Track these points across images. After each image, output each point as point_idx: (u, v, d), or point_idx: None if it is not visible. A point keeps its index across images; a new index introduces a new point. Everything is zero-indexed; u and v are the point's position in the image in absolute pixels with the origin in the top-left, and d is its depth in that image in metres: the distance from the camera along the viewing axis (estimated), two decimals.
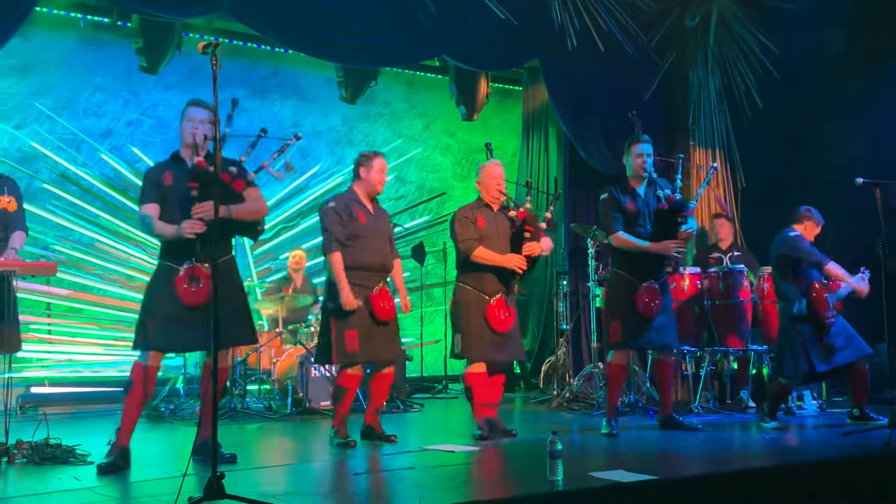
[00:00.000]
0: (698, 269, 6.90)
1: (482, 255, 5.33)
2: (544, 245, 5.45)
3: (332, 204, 5.20)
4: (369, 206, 5.25)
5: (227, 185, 4.38)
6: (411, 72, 9.62)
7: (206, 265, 4.32)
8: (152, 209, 4.44)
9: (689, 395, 6.79)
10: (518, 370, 8.68)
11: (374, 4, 7.31)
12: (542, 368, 8.10)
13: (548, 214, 5.58)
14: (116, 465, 4.24)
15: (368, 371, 5.39)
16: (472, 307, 5.35)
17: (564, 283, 8.07)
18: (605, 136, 8.02)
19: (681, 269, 6.83)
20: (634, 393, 6.79)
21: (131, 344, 4.52)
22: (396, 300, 5.35)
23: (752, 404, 6.78)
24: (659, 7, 8.41)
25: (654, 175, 5.61)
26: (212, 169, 4.16)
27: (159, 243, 4.58)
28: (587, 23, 7.92)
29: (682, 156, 5.87)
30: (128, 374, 4.43)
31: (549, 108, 8.86)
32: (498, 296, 5.35)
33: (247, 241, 8.76)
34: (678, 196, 5.52)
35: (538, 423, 6.36)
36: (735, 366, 6.94)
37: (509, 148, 10.35)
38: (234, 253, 4.71)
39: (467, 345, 5.32)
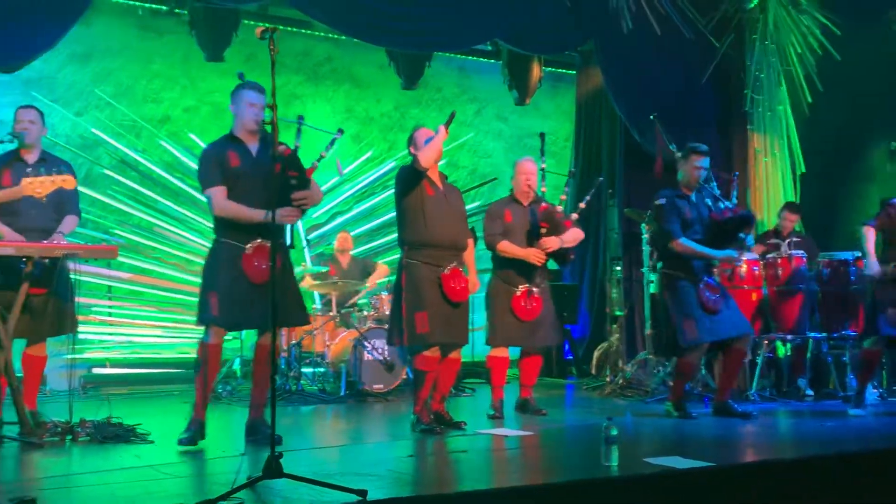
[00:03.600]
0: (756, 256, 6.79)
1: (504, 248, 5.66)
2: (568, 237, 5.68)
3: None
4: (437, 182, 5.09)
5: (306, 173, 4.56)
6: (463, 56, 9.59)
7: (269, 243, 4.41)
8: (222, 191, 4.52)
9: (745, 383, 6.69)
10: (571, 356, 8.65)
11: None
12: (595, 355, 8.05)
13: (582, 205, 5.92)
14: (195, 439, 4.44)
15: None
16: (499, 297, 5.70)
17: (618, 268, 8.00)
18: (661, 122, 7.90)
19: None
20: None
21: (190, 325, 4.79)
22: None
23: (809, 392, 6.66)
24: None
25: (708, 186, 5.84)
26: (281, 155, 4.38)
27: (218, 221, 4.62)
28: (643, 5, 7.80)
29: (737, 173, 6.04)
30: (186, 355, 4.60)
31: (603, 92, 8.75)
32: (523, 287, 5.63)
33: (301, 226, 8.86)
34: (746, 210, 5.89)
35: (591, 410, 6.33)
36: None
37: (562, 132, 10.26)
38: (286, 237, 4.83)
39: (492, 332, 5.72)
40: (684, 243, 5.55)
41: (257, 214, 4.42)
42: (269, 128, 3.68)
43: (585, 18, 7.77)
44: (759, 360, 6.59)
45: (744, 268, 6.65)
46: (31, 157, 5.00)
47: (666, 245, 5.66)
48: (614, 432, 3.79)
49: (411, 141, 5.14)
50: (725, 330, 5.54)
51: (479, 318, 8.93)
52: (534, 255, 5.60)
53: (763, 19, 8.39)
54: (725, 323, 5.53)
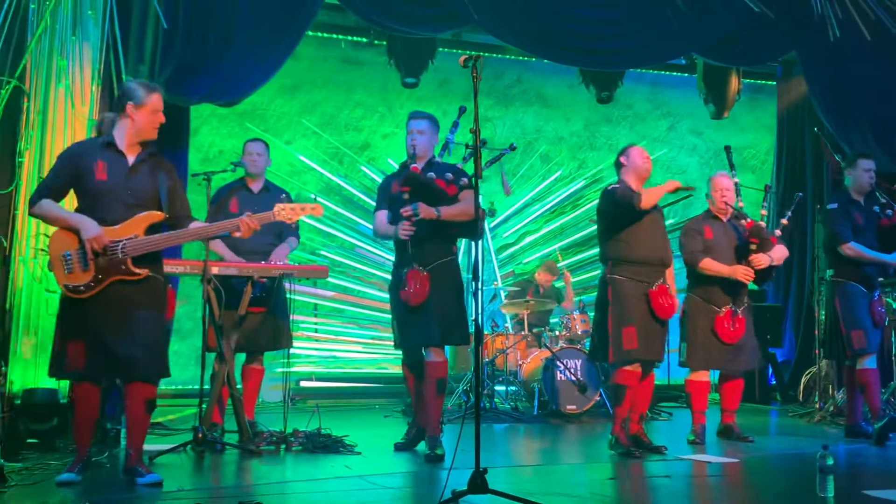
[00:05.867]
0: None
1: (707, 266, 5.45)
2: (776, 254, 5.51)
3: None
4: None
5: (439, 189, 4.74)
6: (655, 71, 9.43)
7: (421, 267, 4.73)
8: (380, 215, 4.99)
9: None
10: (775, 381, 8.23)
11: (620, 7, 7.25)
12: (802, 380, 7.62)
13: (784, 221, 5.72)
14: (407, 444, 4.97)
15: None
16: (699, 317, 5.47)
17: None
18: (874, 132, 7.39)
19: None
20: None
21: (387, 342, 5.22)
22: None
23: None
24: None
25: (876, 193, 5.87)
26: (431, 175, 4.73)
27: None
28: (851, 11, 7.36)
29: None
30: (385, 371, 4.94)
31: (807, 104, 8.32)
32: (727, 307, 5.43)
33: (492, 247, 9.00)
34: None
35: (799, 438, 5.99)
36: None
37: (762, 146, 9.86)
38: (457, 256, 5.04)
39: (692, 354, 5.50)
40: (854, 247, 5.63)
41: (390, 230, 4.85)
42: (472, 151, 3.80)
43: (788, 28, 7.43)
44: None
45: None
46: (256, 185, 5.44)
47: (835, 250, 5.71)
48: (830, 462, 3.58)
49: (624, 152, 5.15)
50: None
51: (673, 338, 8.70)
52: (741, 273, 5.39)
53: None
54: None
